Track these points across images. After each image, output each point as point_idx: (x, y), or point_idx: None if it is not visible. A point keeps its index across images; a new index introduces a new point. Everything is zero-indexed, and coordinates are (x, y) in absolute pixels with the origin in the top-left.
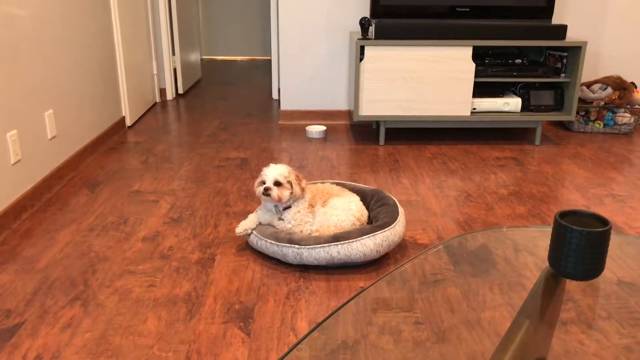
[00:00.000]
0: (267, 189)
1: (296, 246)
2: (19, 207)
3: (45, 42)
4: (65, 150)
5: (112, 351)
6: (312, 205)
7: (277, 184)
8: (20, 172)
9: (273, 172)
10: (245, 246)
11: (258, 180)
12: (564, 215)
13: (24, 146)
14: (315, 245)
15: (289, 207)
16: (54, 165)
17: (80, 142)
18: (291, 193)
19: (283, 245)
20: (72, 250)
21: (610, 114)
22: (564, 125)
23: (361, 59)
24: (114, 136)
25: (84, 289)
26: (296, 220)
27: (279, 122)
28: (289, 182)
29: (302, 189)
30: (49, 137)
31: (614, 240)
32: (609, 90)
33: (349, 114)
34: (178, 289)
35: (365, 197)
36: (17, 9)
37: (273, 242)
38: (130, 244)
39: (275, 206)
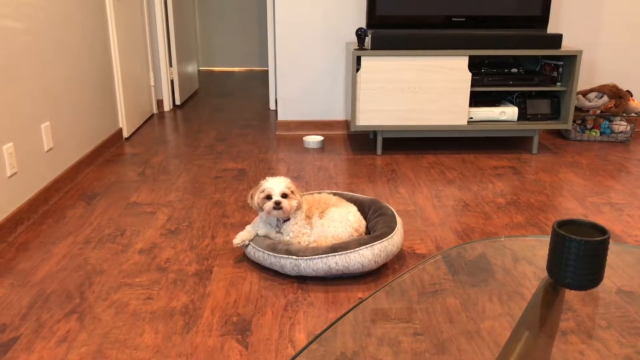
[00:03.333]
0: (278, 203)
1: (294, 257)
2: (15, 220)
3: (42, 55)
4: (62, 163)
5: None
6: (309, 217)
7: (284, 195)
8: (16, 185)
9: (278, 184)
10: (243, 257)
11: (259, 195)
12: (562, 224)
13: (20, 159)
14: (313, 256)
15: (288, 219)
16: (51, 178)
17: (77, 154)
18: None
19: (281, 257)
20: (69, 263)
21: (607, 122)
22: (560, 134)
23: (358, 70)
24: (111, 148)
25: (80, 302)
26: (294, 232)
27: (277, 133)
28: (293, 193)
29: (302, 196)
30: (46, 149)
31: (613, 249)
32: (605, 98)
33: (346, 124)
34: (175, 302)
35: (363, 207)
36: (14, 21)
37: (270, 253)
38: (127, 256)
39: (277, 219)
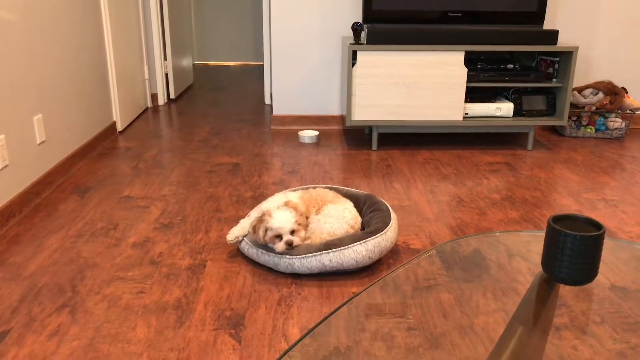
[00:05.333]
0: (290, 243)
1: (287, 256)
2: (7, 213)
3: (35, 46)
4: (55, 156)
5: (101, 359)
6: (307, 217)
7: (292, 232)
8: (7, 178)
9: (287, 222)
10: (237, 252)
11: (267, 233)
12: (557, 219)
13: (12, 151)
14: (307, 255)
15: None
16: (43, 171)
17: (70, 147)
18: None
19: (274, 255)
20: (61, 256)
21: (602, 119)
22: (556, 130)
23: (353, 64)
24: (105, 141)
25: (72, 296)
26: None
27: (271, 127)
28: (300, 224)
29: (306, 221)
30: (38, 142)
31: (607, 244)
32: (601, 95)
33: (342, 119)
34: (168, 296)
35: (358, 203)
36: (7, 13)
37: (264, 251)
38: (120, 250)
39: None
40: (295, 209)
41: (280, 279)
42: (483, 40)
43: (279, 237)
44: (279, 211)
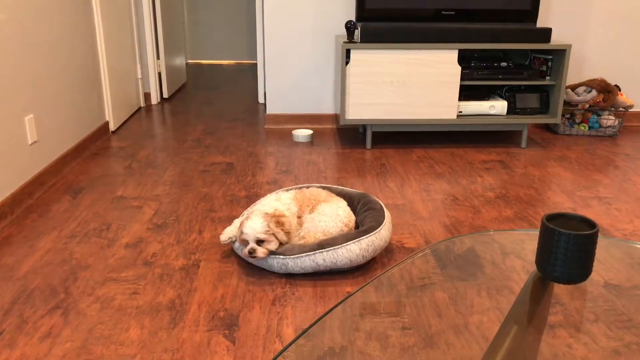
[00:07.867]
0: (251, 252)
1: (281, 257)
2: None
3: (26, 46)
4: (47, 156)
5: None
6: (299, 217)
7: (260, 242)
8: None
9: (253, 230)
10: (231, 252)
11: (240, 236)
12: (551, 218)
13: (3, 151)
14: (301, 255)
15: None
16: (35, 171)
17: (62, 147)
18: (280, 242)
19: (267, 256)
20: (53, 257)
21: (595, 116)
22: (549, 128)
23: (347, 63)
24: (97, 141)
25: (64, 298)
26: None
27: (265, 126)
28: (272, 234)
29: (288, 232)
30: (30, 142)
31: (601, 242)
32: (594, 93)
33: (336, 117)
34: (161, 297)
35: (352, 201)
36: None
37: None
38: (113, 250)
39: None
40: (276, 218)
41: (274, 279)
42: (476, 39)
43: (246, 242)
44: (254, 218)
